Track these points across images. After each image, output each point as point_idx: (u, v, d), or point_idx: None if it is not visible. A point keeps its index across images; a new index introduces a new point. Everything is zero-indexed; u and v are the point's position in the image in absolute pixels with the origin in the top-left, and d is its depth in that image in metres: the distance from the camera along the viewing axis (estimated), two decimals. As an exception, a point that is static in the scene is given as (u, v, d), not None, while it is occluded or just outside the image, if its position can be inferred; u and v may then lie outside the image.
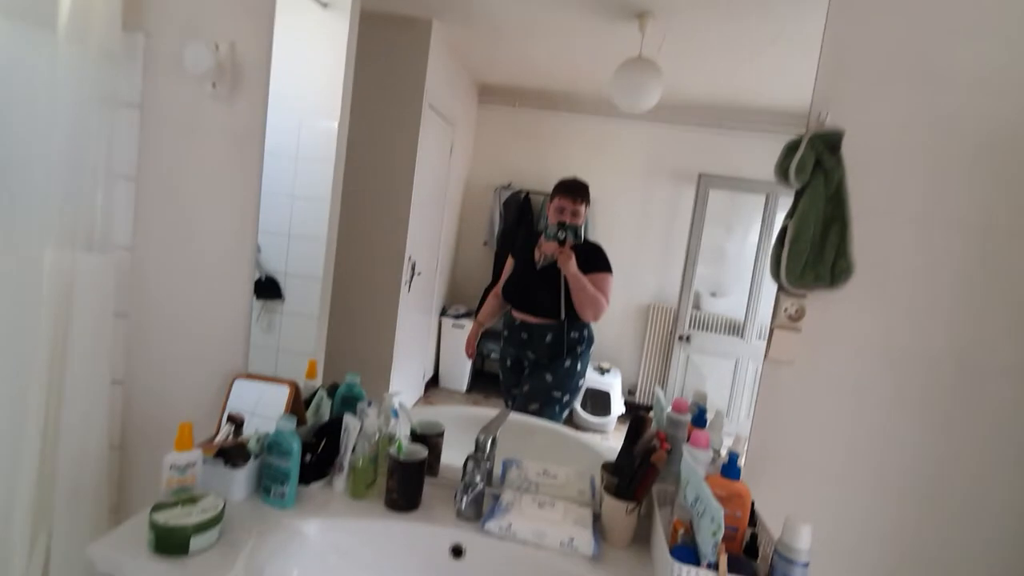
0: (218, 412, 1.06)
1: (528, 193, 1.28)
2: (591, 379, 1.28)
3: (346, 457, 0.99)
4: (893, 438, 0.95)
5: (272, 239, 1.15)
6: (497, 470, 1.06)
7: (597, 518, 0.95)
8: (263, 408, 1.05)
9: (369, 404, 1.04)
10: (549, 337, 1.23)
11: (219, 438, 1.00)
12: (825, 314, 0.94)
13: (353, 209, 1.18)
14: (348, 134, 1.16)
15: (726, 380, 1.20)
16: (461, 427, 1.06)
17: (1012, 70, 0.86)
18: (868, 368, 0.94)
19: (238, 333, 1.15)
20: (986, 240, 0.89)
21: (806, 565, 0.67)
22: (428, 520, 0.94)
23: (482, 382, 1.37)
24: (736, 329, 1.21)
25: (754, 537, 0.82)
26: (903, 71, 0.89)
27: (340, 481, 1.00)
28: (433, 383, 1.41)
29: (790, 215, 0.92)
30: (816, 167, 0.89)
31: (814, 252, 0.90)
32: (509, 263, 1.27)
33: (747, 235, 1.20)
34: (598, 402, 1.30)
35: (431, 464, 1.03)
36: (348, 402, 1.13)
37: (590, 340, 1.23)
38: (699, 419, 1.01)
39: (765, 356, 0.97)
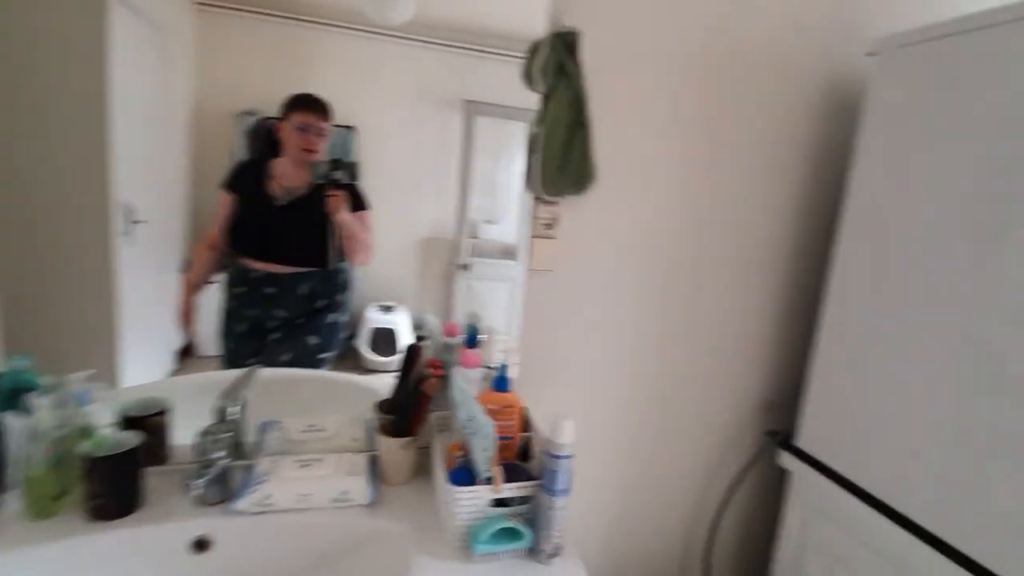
0: None
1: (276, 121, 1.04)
2: (375, 319, 1.16)
3: (14, 469, 0.71)
4: (642, 330, 1.06)
5: None
6: (253, 438, 0.89)
7: (375, 461, 0.88)
8: None
9: (42, 394, 0.76)
10: (307, 289, 1.05)
11: None
12: (577, 221, 0.98)
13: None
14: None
15: (504, 302, 1.20)
16: (215, 395, 0.85)
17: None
18: (618, 269, 1.02)
19: None
20: (713, 146, 1.01)
21: (570, 457, 0.69)
22: (156, 519, 0.74)
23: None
24: (510, 253, 1.22)
25: (527, 441, 0.84)
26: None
27: (13, 501, 0.72)
28: (189, 351, 1.11)
29: (539, 121, 0.90)
30: (560, 72, 0.87)
31: (562, 158, 0.91)
32: (226, 202, 0.98)
33: (513, 162, 1.18)
34: (384, 341, 1.20)
35: (153, 450, 0.81)
36: (17, 396, 0.81)
37: (353, 283, 1.09)
38: (472, 340, 0.99)
39: (527, 267, 0.97)
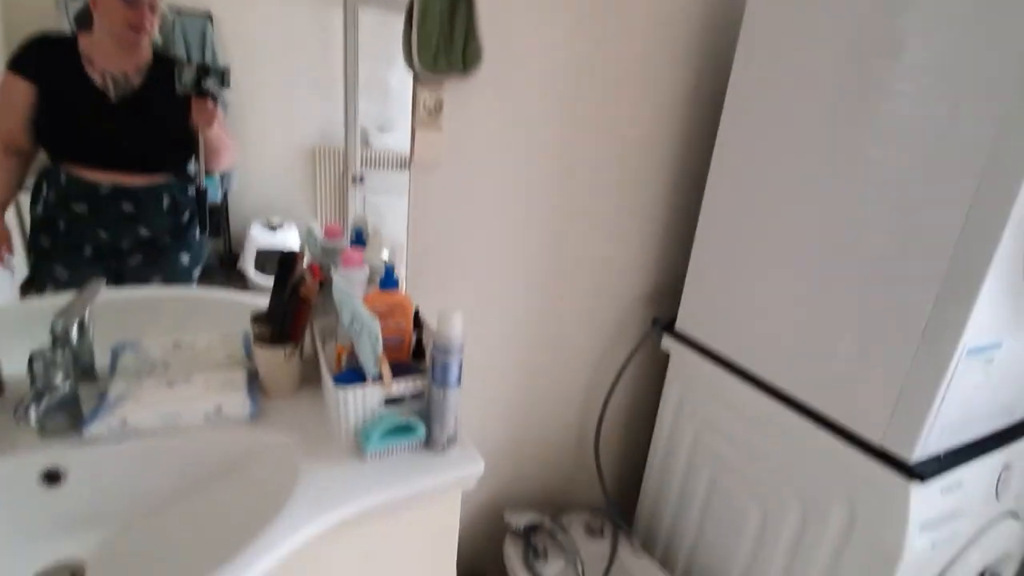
0: None
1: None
2: (262, 239, 1.02)
3: None
4: (532, 227, 1.04)
5: None
6: (102, 361, 0.78)
7: (255, 376, 0.81)
8: None
9: None
10: (169, 201, 0.88)
11: None
12: (464, 108, 0.91)
13: None
14: None
15: (405, 217, 1.12)
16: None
17: None
18: (504, 164, 0.98)
19: None
20: (599, 38, 0.96)
21: (460, 349, 0.68)
22: (-10, 455, 0.63)
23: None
24: (407, 163, 1.12)
25: (419, 340, 0.81)
26: None
27: None
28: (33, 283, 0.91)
29: (416, -13, 0.79)
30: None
31: (444, 34, 0.82)
32: (20, 89, 0.74)
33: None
34: (273, 262, 1.07)
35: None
36: None
37: (222, 191, 0.94)
38: (358, 242, 0.92)
39: (410, 160, 0.90)
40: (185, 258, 0.91)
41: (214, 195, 0.93)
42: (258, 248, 1.05)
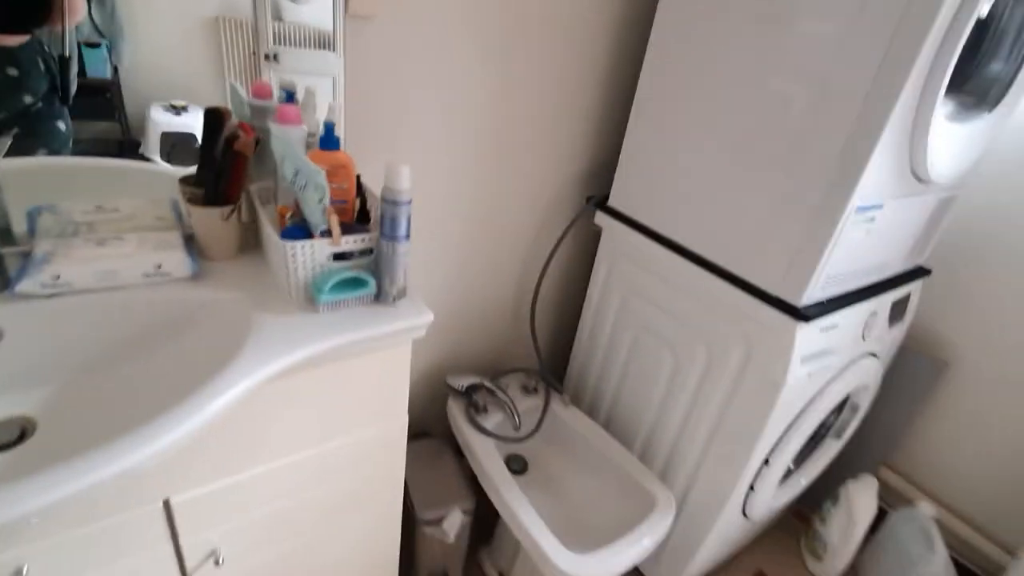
0: None
1: None
2: (164, 121, 0.92)
3: None
4: (472, 95, 1.02)
5: None
6: (18, 227, 0.73)
7: (190, 238, 0.79)
8: None
9: None
10: (41, 64, 0.77)
11: None
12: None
13: None
14: None
15: (326, 100, 1.04)
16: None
17: None
18: (448, 18, 0.93)
19: None
20: None
21: (409, 202, 0.70)
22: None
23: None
24: (327, 42, 1.01)
25: (363, 203, 0.82)
26: None
27: None
28: None
29: None
30: None
31: None
32: None
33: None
34: (181, 148, 0.97)
35: None
36: None
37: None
38: (289, 101, 0.87)
39: (344, 11, 0.84)
40: (62, 125, 0.82)
41: (101, 70, 0.83)
42: (163, 132, 0.96)
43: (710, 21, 0.95)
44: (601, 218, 1.26)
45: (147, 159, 0.89)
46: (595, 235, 1.32)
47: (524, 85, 1.08)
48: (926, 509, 1.32)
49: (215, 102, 0.88)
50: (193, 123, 0.93)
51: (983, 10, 0.74)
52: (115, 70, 0.80)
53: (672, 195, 1.09)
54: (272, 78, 0.95)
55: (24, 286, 0.64)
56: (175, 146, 0.97)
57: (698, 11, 0.97)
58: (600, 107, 1.23)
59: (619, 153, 1.19)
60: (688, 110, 1.02)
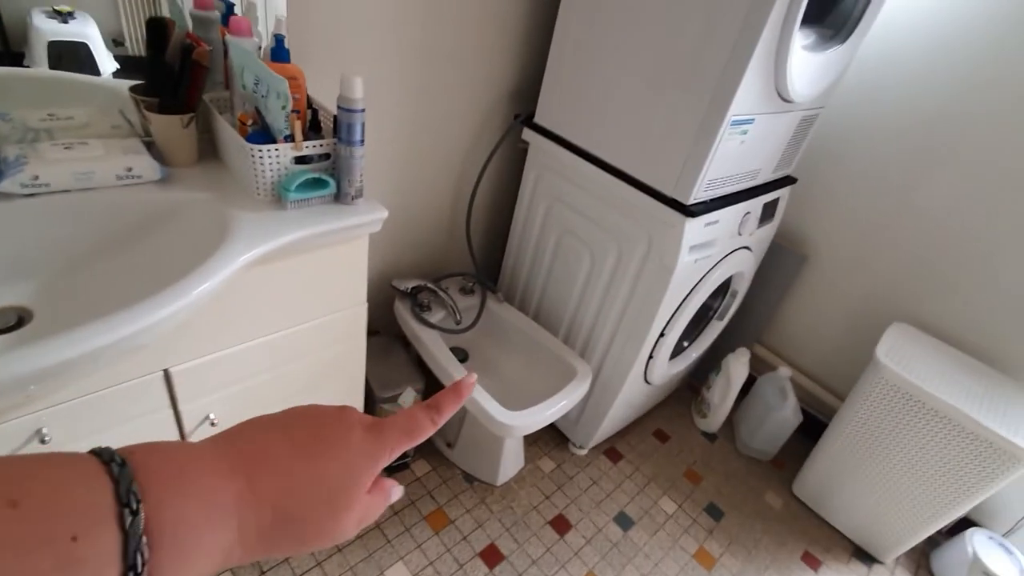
0: None
1: None
2: (49, 29, 0.87)
3: None
4: (407, 13, 1.09)
5: None
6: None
7: (150, 146, 0.85)
8: None
9: None
10: None
11: None
12: None
13: None
14: None
15: (250, 13, 1.03)
16: None
17: None
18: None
19: None
20: None
21: (363, 111, 0.80)
22: None
23: None
24: None
25: (315, 114, 0.90)
26: None
27: None
28: None
29: None
30: None
31: None
32: None
33: None
34: (73, 57, 0.92)
35: None
36: None
37: None
38: (229, 13, 0.91)
39: (282, -78, 0.87)
40: None
41: None
42: (48, 40, 0.93)
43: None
44: (528, 134, 1.39)
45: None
46: (523, 150, 1.45)
47: (455, 7, 1.16)
48: (783, 372, 1.68)
49: (102, 7, 0.86)
50: (84, 31, 0.88)
51: None
52: None
53: (590, 112, 1.23)
54: None
55: (3, 186, 0.70)
56: (63, 56, 0.94)
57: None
58: (525, 29, 1.32)
59: (543, 75, 1.30)
60: (603, 37, 1.15)
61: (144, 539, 0.20)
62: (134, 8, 0.88)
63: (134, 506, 0.20)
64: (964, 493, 1.29)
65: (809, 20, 1.10)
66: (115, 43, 0.90)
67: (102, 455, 0.22)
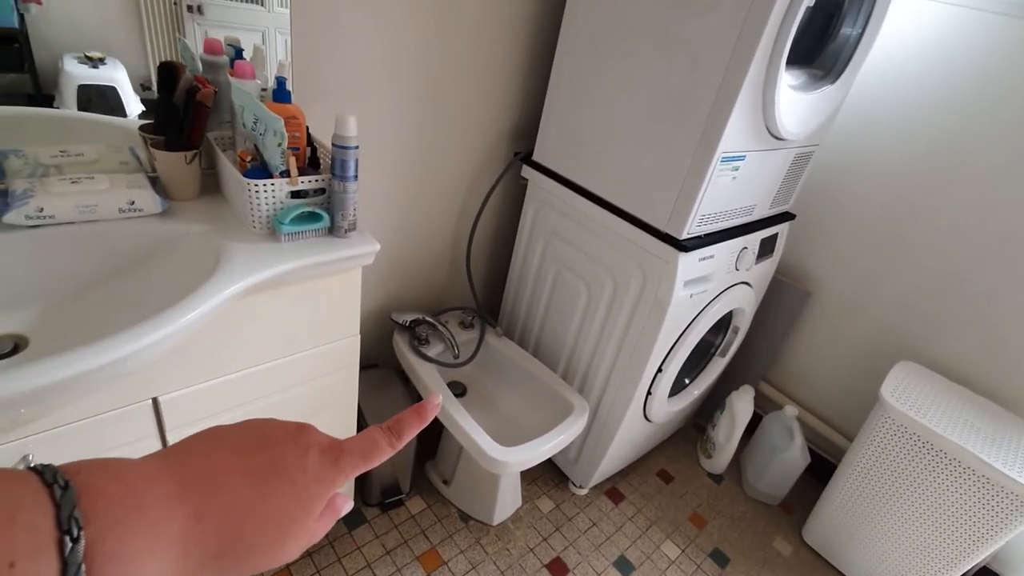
0: None
1: None
2: (80, 74, 0.93)
3: None
4: (406, 43, 1.14)
5: None
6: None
7: (155, 181, 0.88)
8: None
9: None
10: None
11: None
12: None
13: None
14: None
15: (257, 56, 1.09)
16: None
17: None
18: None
19: None
20: None
21: (356, 148, 0.83)
22: None
23: None
24: None
25: (314, 151, 0.93)
26: None
27: None
28: None
29: None
30: None
31: None
32: None
33: None
34: (102, 100, 0.99)
35: None
36: None
37: None
38: (238, 58, 0.96)
39: (288, -26, 0.93)
40: None
41: (8, 18, 0.85)
42: (79, 84, 0.99)
43: (608, 15, 1.12)
44: (527, 171, 1.42)
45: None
46: (522, 186, 1.48)
47: (456, 51, 1.21)
48: (790, 411, 1.63)
49: (132, 54, 0.91)
50: (113, 75, 0.94)
51: (804, 8, 0.94)
52: (22, 18, 0.79)
53: (585, 150, 1.26)
54: (196, 31, 0.96)
55: (9, 217, 0.73)
56: (92, 99, 1.00)
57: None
58: (524, 72, 1.38)
59: (541, 114, 1.35)
60: (597, 77, 1.19)
61: (83, 567, 0.20)
62: (161, 54, 0.94)
63: (75, 533, 0.20)
64: (979, 540, 1.23)
65: (798, 61, 1.13)
66: (143, 87, 0.95)
67: (44, 474, 0.21)
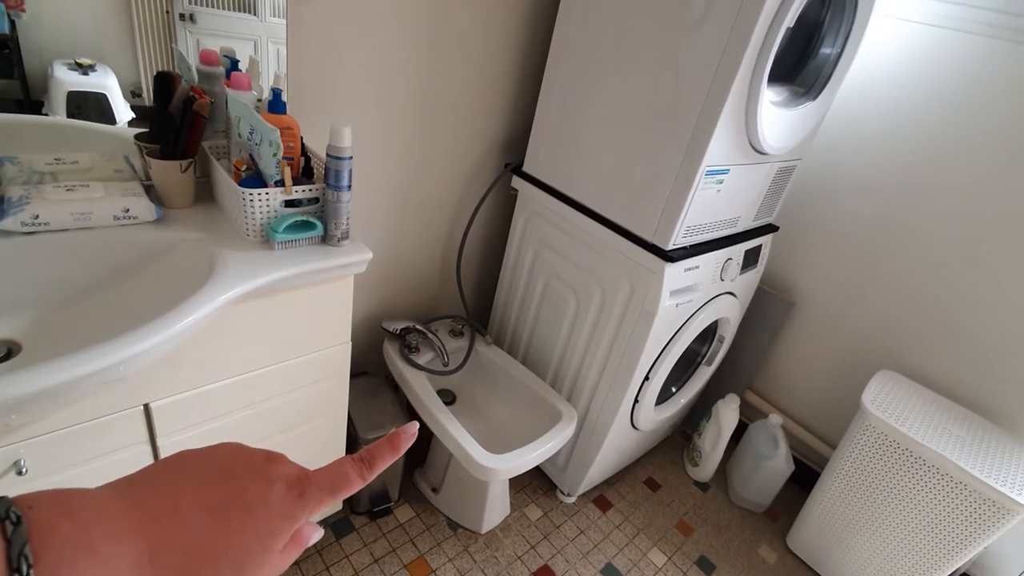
0: None
1: None
2: (70, 80, 0.93)
3: None
4: (399, 57, 1.16)
5: None
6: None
7: (150, 188, 0.89)
8: None
9: None
10: None
11: None
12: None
13: None
14: None
15: (252, 68, 1.11)
16: None
17: None
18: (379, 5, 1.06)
19: None
20: None
21: (350, 158, 0.85)
22: None
23: None
24: (247, 5, 1.07)
25: (308, 161, 0.95)
26: None
27: None
28: None
29: None
30: None
31: None
32: None
33: None
34: (91, 107, 0.99)
35: None
36: None
37: None
38: (233, 69, 0.97)
39: (285, -11, 0.95)
40: None
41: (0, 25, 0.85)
42: (68, 90, 0.99)
43: (597, 30, 1.15)
44: (517, 182, 1.45)
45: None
46: (512, 197, 1.51)
47: (448, 64, 1.24)
48: (774, 419, 1.66)
49: (123, 61, 0.92)
50: (103, 82, 0.93)
51: (785, 29, 0.97)
52: (12, 24, 0.79)
53: (575, 162, 1.29)
54: (188, 39, 0.96)
55: (5, 224, 0.74)
56: (81, 106, 1.00)
57: (603, 19, 1.16)
58: (514, 86, 1.40)
59: (531, 126, 1.37)
60: (586, 91, 1.22)
61: None
62: (152, 62, 0.95)
63: (24, 571, 0.20)
64: (958, 545, 1.25)
65: (780, 78, 1.17)
66: (133, 94, 0.95)
67: None
